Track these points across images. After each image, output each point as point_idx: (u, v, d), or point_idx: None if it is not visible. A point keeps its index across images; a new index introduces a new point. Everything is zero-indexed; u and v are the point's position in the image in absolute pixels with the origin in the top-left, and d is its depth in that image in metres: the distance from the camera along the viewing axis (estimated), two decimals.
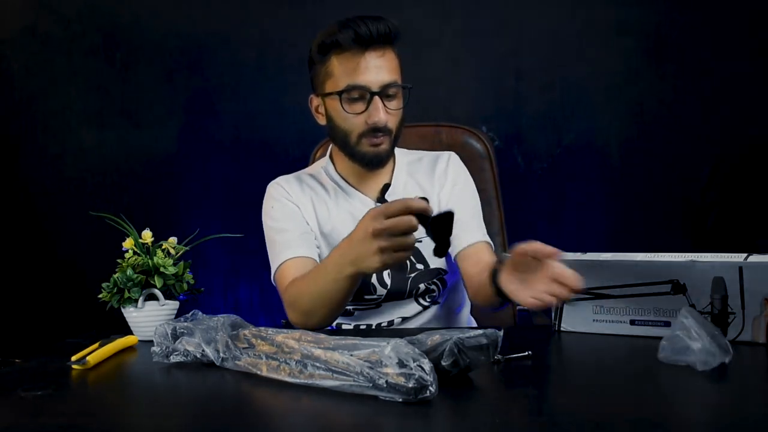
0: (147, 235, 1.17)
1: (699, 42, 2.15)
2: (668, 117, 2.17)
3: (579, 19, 2.17)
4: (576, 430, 0.70)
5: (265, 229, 1.35)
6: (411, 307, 1.35)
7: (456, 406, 0.77)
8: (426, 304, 1.36)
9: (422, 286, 1.34)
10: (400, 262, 1.04)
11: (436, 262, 1.34)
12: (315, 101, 1.32)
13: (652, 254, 1.06)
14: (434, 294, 1.36)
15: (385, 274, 1.32)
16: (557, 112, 2.20)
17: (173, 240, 1.19)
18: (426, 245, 1.33)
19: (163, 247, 1.18)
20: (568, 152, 2.20)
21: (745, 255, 1.00)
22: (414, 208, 0.96)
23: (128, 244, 1.17)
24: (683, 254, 1.03)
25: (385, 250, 0.98)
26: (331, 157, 1.39)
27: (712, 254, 1.02)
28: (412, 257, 1.33)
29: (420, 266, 1.33)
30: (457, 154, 1.52)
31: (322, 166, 1.40)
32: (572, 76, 2.18)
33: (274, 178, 1.39)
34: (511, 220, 1.61)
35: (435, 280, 1.35)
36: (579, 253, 1.12)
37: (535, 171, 2.22)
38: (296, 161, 1.46)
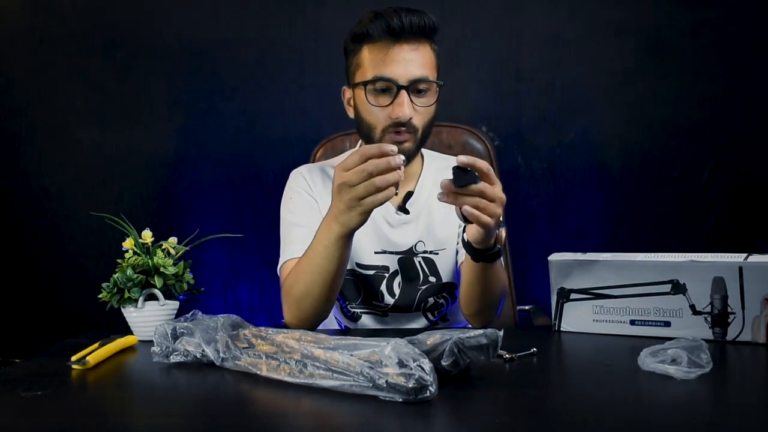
0: (147, 235, 1.17)
1: (699, 42, 2.15)
2: (668, 117, 2.17)
3: (579, 19, 2.17)
4: (576, 430, 0.70)
5: (281, 217, 1.33)
6: (419, 321, 1.34)
7: (456, 406, 0.77)
8: (434, 319, 1.35)
9: (431, 300, 1.33)
10: (371, 209, 1.03)
11: (448, 276, 1.33)
12: (347, 93, 1.28)
13: (652, 254, 1.06)
14: (442, 308, 1.35)
15: (395, 284, 1.31)
16: (557, 112, 2.20)
17: (173, 240, 1.19)
18: (441, 258, 1.32)
19: (163, 247, 1.18)
20: (568, 152, 2.20)
21: (745, 255, 1.00)
22: (372, 152, 0.98)
23: (128, 244, 1.17)
24: (683, 254, 1.03)
25: (352, 203, 1.01)
26: None
27: (712, 254, 1.02)
28: (426, 269, 1.31)
29: (432, 279, 1.32)
30: (457, 154, 1.52)
31: None
32: (572, 76, 2.18)
33: (273, 178, 1.39)
34: (511, 220, 1.61)
35: (445, 294, 1.34)
36: (579, 253, 1.12)
37: (535, 171, 2.22)
38: (296, 161, 1.46)
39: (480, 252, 1.10)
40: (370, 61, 1.19)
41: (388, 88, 1.18)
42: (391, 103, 1.18)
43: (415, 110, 1.19)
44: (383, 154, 0.98)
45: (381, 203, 1.01)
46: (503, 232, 1.09)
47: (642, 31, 2.16)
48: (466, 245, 1.11)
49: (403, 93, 1.17)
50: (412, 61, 1.18)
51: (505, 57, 2.20)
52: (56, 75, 2.27)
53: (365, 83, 1.19)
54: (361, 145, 1.35)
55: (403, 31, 1.17)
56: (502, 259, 1.17)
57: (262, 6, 2.23)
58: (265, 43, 2.23)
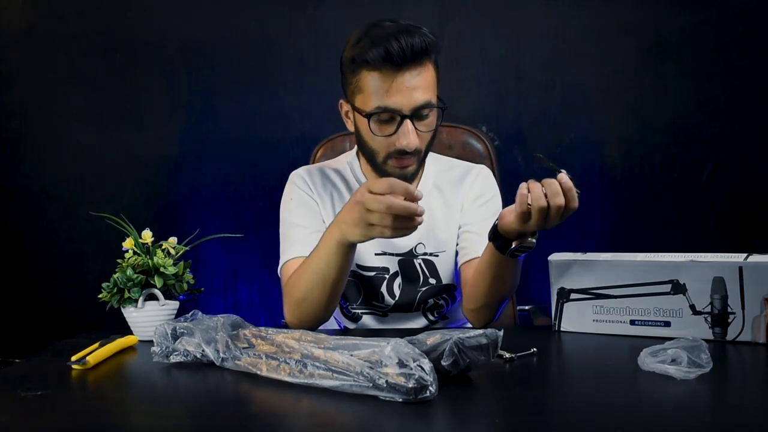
0: (147, 235, 1.17)
1: (699, 42, 2.15)
2: (668, 117, 2.17)
3: (579, 19, 2.17)
4: (576, 430, 0.70)
5: (281, 218, 1.33)
6: (418, 321, 1.34)
7: (456, 406, 0.77)
8: (433, 319, 1.35)
9: (431, 301, 1.33)
10: (374, 237, 1.03)
11: (448, 278, 1.33)
12: (345, 107, 1.25)
13: (652, 254, 1.06)
14: (442, 309, 1.35)
15: (395, 285, 1.31)
16: (557, 112, 2.20)
17: (173, 240, 1.19)
18: (441, 259, 1.32)
19: (163, 247, 1.18)
20: (568, 152, 2.20)
21: (745, 255, 1.00)
22: (399, 190, 0.97)
23: (128, 244, 1.17)
24: (683, 254, 1.03)
25: (360, 222, 1.00)
26: (358, 153, 1.35)
27: (712, 254, 1.02)
28: (426, 270, 1.31)
29: (432, 280, 1.32)
30: (457, 154, 1.52)
31: (348, 160, 1.36)
32: (572, 76, 2.18)
33: (273, 178, 1.39)
34: None
35: (445, 295, 1.34)
36: (579, 253, 1.12)
37: (535, 171, 2.21)
38: (296, 161, 1.46)
39: (501, 238, 1.09)
40: (372, 91, 1.15)
41: (391, 117, 1.16)
42: (395, 132, 1.16)
43: (418, 136, 1.18)
44: (409, 197, 0.97)
45: (386, 237, 1.01)
46: (534, 241, 1.09)
47: (642, 31, 2.16)
48: (494, 233, 1.10)
49: (407, 122, 1.15)
50: (415, 87, 1.14)
51: (505, 57, 2.20)
52: (56, 75, 2.26)
53: (368, 115, 1.16)
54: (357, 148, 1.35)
55: (404, 59, 1.12)
56: (521, 260, 1.16)
57: (262, 6, 2.22)
58: (265, 43, 2.23)
